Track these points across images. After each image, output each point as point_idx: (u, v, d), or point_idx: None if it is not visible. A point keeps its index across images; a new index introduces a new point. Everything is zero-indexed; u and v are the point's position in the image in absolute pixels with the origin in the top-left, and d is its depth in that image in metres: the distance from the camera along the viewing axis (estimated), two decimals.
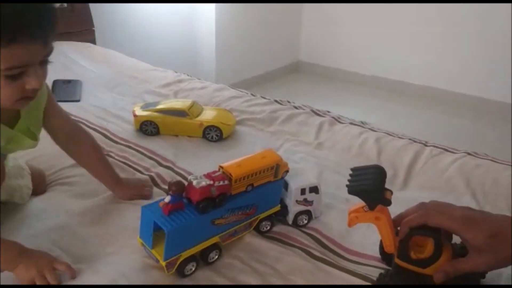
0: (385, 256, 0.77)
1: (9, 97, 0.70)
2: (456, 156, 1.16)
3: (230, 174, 0.80)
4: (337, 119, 1.42)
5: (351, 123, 1.39)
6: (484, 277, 0.74)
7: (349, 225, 0.75)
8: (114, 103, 1.43)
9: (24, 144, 0.83)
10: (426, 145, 1.24)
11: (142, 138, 1.23)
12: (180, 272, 0.76)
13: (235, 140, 1.28)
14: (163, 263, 0.74)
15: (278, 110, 1.47)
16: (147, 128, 1.25)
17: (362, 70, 3.41)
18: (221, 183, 0.78)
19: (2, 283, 0.69)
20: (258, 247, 0.84)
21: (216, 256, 0.81)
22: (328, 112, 1.48)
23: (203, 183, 0.76)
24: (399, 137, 1.28)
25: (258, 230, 0.88)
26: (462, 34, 2.92)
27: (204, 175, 0.79)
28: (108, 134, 1.23)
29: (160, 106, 1.28)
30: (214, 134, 1.26)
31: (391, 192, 0.73)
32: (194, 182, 0.76)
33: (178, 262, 0.75)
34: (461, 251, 0.71)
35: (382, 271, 0.75)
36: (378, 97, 3.18)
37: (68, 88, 1.48)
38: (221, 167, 0.82)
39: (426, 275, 0.69)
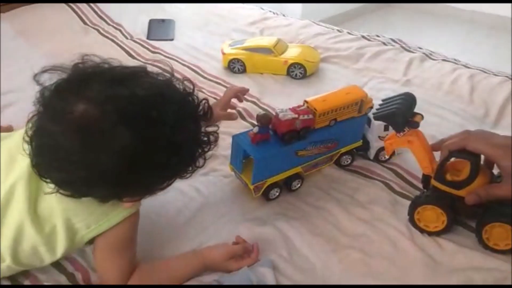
0: (425, 179, 0.79)
1: None
2: None
3: (314, 108, 0.83)
4: (429, 55, 1.36)
5: (443, 60, 1.33)
6: None
7: (387, 153, 0.79)
8: (204, 42, 1.49)
9: None
10: None
11: (230, 76, 1.29)
12: (265, 195, 0.83)
13: (318, 77, 1.29)
14: (251, 187, 0.81)
15: (365, 46, 1.43)
16: (235, 66, 1.31)
17: (459, 3, 3.11)
18: (306, 117, 0.82)
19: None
20: (338, 178, 0.88)
21: (299, 185, 0.86)
22: (420, 48, 1.41)
23: (289, 116, 0.80)
24: (495, 74, 1.21)
25: (339, 164, 0.91)
26: None
27: (289, 108, 0.83)
28: (199, 71, 1.31)
29: (246, 44, 1.32)
30: (298, 72, 1.28)
31: (422, 116, 0.74)
32: (280, 115, 0.80)
33: (264, 187, 0.82)
34: (497, 180, 0.71)
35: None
36: (476, 33, 2.91)
37: (162, 27, 1.57)
38: (306, 101, 0.85)
39: (460, 196, 0.71)
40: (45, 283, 0.67)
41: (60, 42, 1.47)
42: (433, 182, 0.74)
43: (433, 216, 0.73)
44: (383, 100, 0.78)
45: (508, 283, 0.67)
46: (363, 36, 1.50)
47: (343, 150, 0.90)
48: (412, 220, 0.76)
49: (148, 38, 1.51)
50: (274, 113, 0.83)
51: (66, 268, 0.69)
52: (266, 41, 1.32)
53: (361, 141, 0.92)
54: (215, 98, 1.16)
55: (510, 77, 1.19)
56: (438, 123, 1.04)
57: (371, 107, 0.92)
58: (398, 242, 0.74)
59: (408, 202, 0.80)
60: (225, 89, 1.21)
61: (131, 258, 0.67)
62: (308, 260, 0.71)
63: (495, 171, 0.74)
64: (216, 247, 0.72)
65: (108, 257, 0.66)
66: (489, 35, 2.87)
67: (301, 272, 0.70)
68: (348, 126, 0.88)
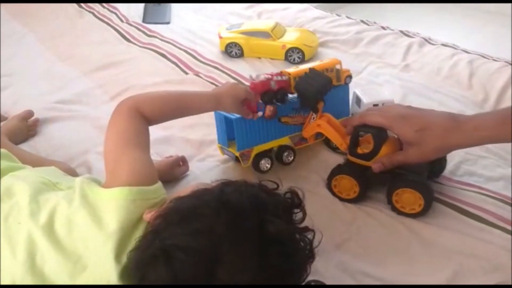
0: None
1: None
2: None
3: (288, 73, 0.86)
4: (428, 40, 1.35)
5: (442, 45, 1.32)
6: (437, 176, 0.82)
7: (310, 142, 0.87)
8: (200, 25, 1.47)
9: None
10: None
11: (227, 60, 1.28)
12: (256, 166, 0.84)
13: None
14: (237, 153, 0.82)
15: (363, 31, 1.42)
16: (232, 50, 1.29)
17: None
18: (280, 78, 0.84)
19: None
20: (334, 164, 0.87)
21: (291, 158, 0.88)
22: (418, 33, 1.40)
23: (262, 77, 0.83)
24: (494, 60, 1.20)
25: (332, 148, 0.91)
26: None
27: (263, 74, 0.85)
28: (195, 55, 1.29)
29: (244, 28, 1.30)
30: (296, 56, 1.26)
31: (324, 103, 0.83)
32: (254, 77, 0.83)
33: (252, 155, 0.83)
34: None
35: None
36: (476, 19, 2.89)
37: (158, 11, 1.55)
38: (281, 71, 0.88)
39: (369, 167, 0.77)
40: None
41: (55, 25, 1.46)
42: (348, 156, 0.80)
43: (349, 185, 0.79)
44: (310, 71, 0.83)
45: (501, 269, 0.66)
46: (362, 21, 1.48)
47: None
48: (329, 188, 0.81)
49: (143, 21, 1.49)
50: (249, 78, 0.85)
51: None
52: (264, 24, 1.31)
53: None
54: (212, 83, 1.16)
55: (510, 62, 1.19)
56: (437, 108, 1.03)
57: (350, 76, 0.95)
58: (390, 225, 0.75)
59: None
60: (222, 74, 1.20)
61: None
62: None
63: None
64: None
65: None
66: (489, 21, 2.85)
67: None
68: (330, 95, 0.87)
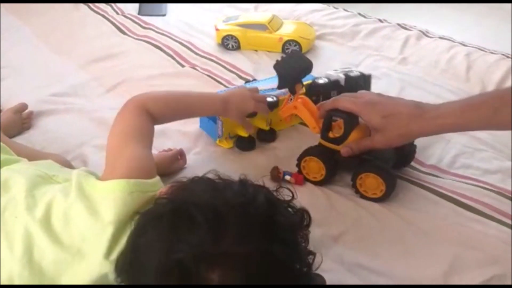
0: None
1: None
2: None
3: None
4: (425, 33, 1.35)
5: (440, 38, 1.32)
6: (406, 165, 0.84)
7: (286, 122, 0.89)
8: (197, 18, 1.46)
9: None
10: None
11: (223, 53, 1.27)
12: None
13: (313, 55, 1.26)
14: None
15: (361, 23, 1.41)
16: (228, 42, 1.28)
17: None
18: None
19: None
20: None
21: (275, 98, 0.90)
22: (415, 26, 1.40)
23: None
24: (491, 52, 1.21)
25: None
26: None
27: None
28: (192, 47, 1.28)
29: (240, 20, 1.29)
30: (293, 49, 1.26)
31: (302, 86, 0.83)
32: None
33: None
34: None
35: None
36: (474, 12, 2.88)
37: (154, 3, 1.53)
38: None
39: (339, 151, 0.79)
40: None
41: (50, 18, 1.44)
42: (320, 140, 0.82)
43: (316, 168, 0.81)
44: (293, 52, 0.86)
45: (498, 261, 0.67)
46: (359, 14, 1.48)
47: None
48: (299, 168, 0.83)
49: (139, 13, 1.48)
50: None
51: None
52: (261, 17, 1.30)
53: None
54: (208, 76, 1.15)
55: (507, 55, 1.19)
56: (434, 101, 1.02)
57: None
58: (387, 217, 0.75)
59: None
60: (218, 66, 1.20)
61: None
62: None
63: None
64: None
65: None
66: (488, 15, 2.84)
67: None
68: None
